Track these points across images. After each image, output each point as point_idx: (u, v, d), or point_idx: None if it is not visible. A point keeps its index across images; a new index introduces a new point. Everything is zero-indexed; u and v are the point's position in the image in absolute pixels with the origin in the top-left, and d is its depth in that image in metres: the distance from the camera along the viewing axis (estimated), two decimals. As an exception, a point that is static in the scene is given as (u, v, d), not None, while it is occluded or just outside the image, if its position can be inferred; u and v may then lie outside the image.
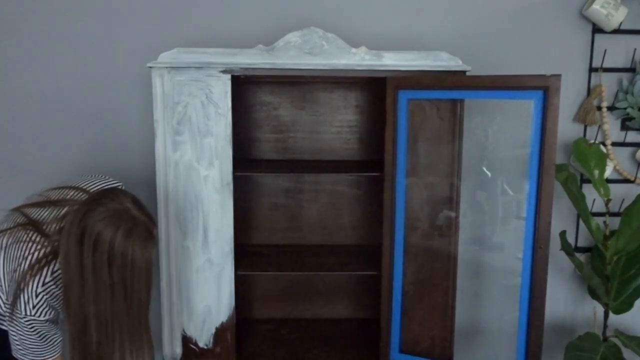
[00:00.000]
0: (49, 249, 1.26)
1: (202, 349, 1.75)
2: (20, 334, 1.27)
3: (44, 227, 1.29)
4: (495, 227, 1.99)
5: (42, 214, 1.33)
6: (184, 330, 1.74)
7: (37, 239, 1.27)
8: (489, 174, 1.94)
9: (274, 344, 1.93)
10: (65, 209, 1.31)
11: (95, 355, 1.21)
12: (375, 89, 1.98)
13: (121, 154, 2.00)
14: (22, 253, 1.26)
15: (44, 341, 1.29)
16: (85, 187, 1.41)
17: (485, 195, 1.96)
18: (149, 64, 1.60)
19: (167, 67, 1.60)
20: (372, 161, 2.01)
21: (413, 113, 1.66)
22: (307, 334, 2.01)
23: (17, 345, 1.29)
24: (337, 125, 2.03)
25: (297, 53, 1.62)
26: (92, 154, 2.00)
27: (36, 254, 1.26)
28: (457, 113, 1.67)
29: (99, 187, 1.42)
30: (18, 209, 1.35)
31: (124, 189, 1.32)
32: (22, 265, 1.25)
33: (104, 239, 1.18)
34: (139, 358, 1.26)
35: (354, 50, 1.64)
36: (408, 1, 1.97)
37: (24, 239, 1.28)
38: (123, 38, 1.95)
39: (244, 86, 1.97)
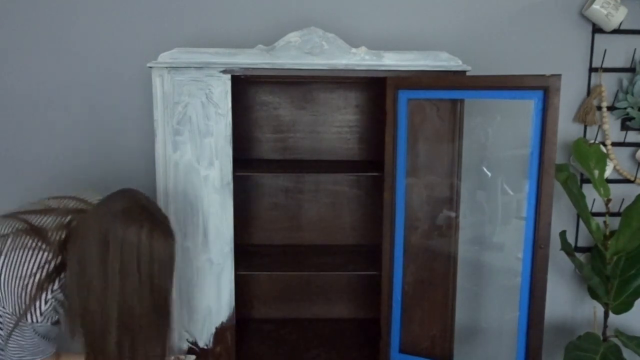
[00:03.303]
0: (55, 260, 1.24)
1: (202, 349, 1.75)
2: (19, 339, 1.26)
3: (48, 234, 1.26)
4: (495, 227, 1.99)
5: (43, 220, 1.30)
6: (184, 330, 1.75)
7: (44, 246, 1.25)
8: (489, 174, 1.94)
9: (274, 344, 1.93)
10: (69, 217, 1.29)
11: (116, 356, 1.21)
12: (375, 89, 1.98)
13: (121, 154, 2.01)
14: (28, 260, 1.24)
15: (44, 339, 1.29)
16: (85, 198, 1.39)
17: (485, 195, 1.96)
18: (149, 64, 1.60)
19: (167, 67, 1.60)
20: (372, 161, 2.01)
21: (413, 113, 1.66)
22: (307, 334, 2.01)
23: (12, 349, 1.27)
24: (337, 125, 2.03)
25: (297, 53, 1.62)
26: (92, 154, 2.00)
27: (47, 266, 1.23)
28: (457, 113, 1.66)
29: (97, 199, 1.40)
30: (14, 216, 1.32)
31: (134, 188, 1.32)
32: (35, 277, 1.22)
33: (130, 239, 1.18)
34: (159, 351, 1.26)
35: (354, 50, 1.64)
36: (408, 1, 1.97)
37: (30, 245, 1.25)
38: (123, 38, 1.95)
39: (244, 86, 1.97)
